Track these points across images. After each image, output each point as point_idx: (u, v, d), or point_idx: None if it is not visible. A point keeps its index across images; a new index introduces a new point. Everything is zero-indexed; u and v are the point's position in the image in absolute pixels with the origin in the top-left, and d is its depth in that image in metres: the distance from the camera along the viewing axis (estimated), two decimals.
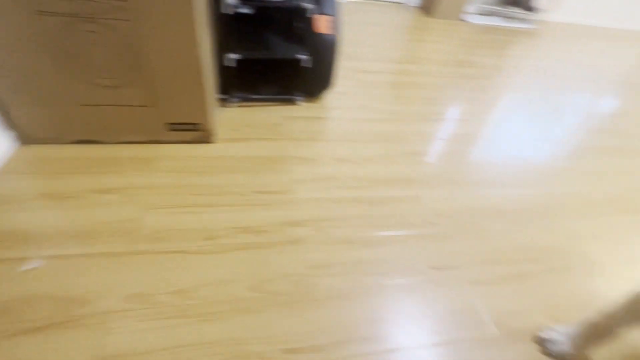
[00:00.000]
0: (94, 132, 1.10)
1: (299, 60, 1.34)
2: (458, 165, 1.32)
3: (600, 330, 0.75)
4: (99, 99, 1.02)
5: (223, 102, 1.38)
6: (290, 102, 1.47)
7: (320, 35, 1.32)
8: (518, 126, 1.64)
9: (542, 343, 0.80)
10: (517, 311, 0.86)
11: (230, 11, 1.14)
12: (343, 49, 2.07)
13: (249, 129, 1.30)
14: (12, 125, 1.04)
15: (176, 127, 1.13)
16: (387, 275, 0.89)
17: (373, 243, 0.96)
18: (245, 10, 1.19)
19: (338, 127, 1.40)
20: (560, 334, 0.79)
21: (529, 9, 3.31)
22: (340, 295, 0.83)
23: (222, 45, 1.23)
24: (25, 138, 1.07)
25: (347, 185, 1.13)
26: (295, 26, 1.34)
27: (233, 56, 1.23)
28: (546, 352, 0.79)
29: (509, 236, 1.06)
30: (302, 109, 1.46)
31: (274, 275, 0.85)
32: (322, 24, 1.30)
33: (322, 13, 1.29)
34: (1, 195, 0.93)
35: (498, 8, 3.31)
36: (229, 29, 1.21)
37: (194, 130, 1.15)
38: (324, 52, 1.35)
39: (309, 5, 1.22)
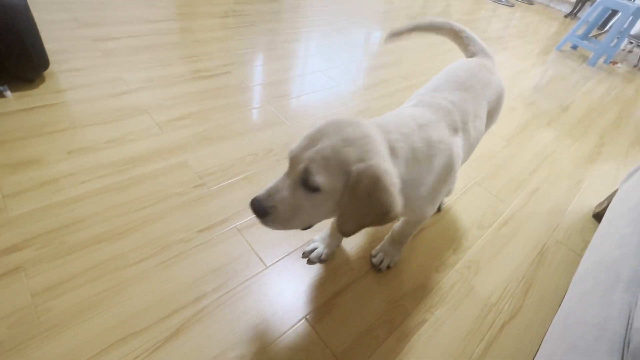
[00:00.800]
0: None
1: None
2: (222, 119, 1.28)
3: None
4: None
5: None
6: None
7: None
8: (288, 66, 1.72)
9: (306, 255, 0.89)
10: (288, 238, 0.93)
11: None
12: (78, 14, 1.67)
13: None
14: None
15: None
16: (149, 259, 0.80)
17: (129, 230, 0.85)
18: None
19: (72, 112, 1.14)
20: (317, 241, 0.90)
21: None
22: (85, 308, 0.70)
23: None
24: None
25: (88, 178, 0.94)
26: None
27: None
28: (310, 261, 0.88)
29: (275, 170, 1.11)
30: (11, 101, 1.11)
31: None
32: None
33: None
34: None
35: None
36: None
37: None
38: (5, 19, 1.02)
39: None
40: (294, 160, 0.52)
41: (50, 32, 1.48)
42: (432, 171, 0.60)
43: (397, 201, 0.50)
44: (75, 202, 0.88)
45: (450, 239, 1.04)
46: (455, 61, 0.89)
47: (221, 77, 1.51)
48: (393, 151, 0.53)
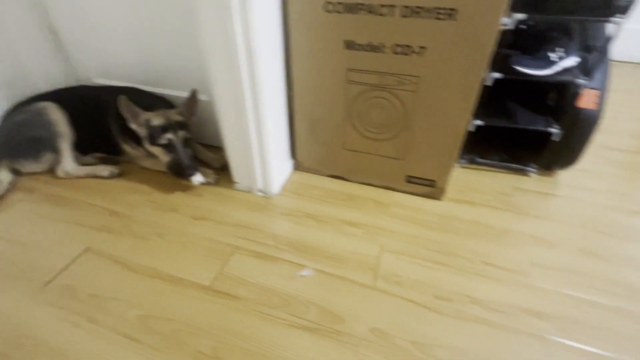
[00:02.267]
0: (345, 170, 1.33)
1: (543, 133, 1.26)
2: None
3: None
4: (362, 147, 1.24)
5: None
6: (520, 172, 1.39)
7: (581, 109, 1.21)
8: None
9: None
10: None
11: (490, 83, 1.19)
12: None
13: (474, 192, 1.30)
14: (294, 155, 1.38)
15: (413, 179, 1.24)
16: None
17: None
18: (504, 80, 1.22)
19: (577, 211, 1.23)
20: None
21: None
22: None
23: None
24: (298, 165, 1.41)
25: (598, 286, 0.96)
26: (549, 97, 1.28)
27: (476, 122, 1.27)
28: None
29: None
30: (533, 181, 1.36)
31: None
32: (587, 99, 1.19)
33: (591, 87, 1.18)
34: (285, 208, 1.24)
35: None
36: (479, 96, 1.26)
37: (428, 186, 1.24)
38: (580, 127, 1.23)
39: (582, 82, 1.14)
40: None
41: None
42: None
43: None
44: (584, 304, 0.92)
45: None
46: None
47: None
48: None
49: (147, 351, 0.82)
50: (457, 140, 1.10)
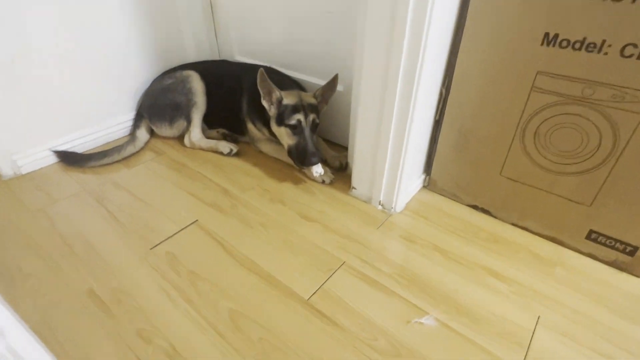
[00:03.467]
0: (494, 203, 1.04)
1: None
2: None
3: None
4: (529, 178, 0.94)
5: None
6: None
7: None
8: None
9: None
10: None
11: None
12: None
13: None
14: (428, 170, 1.14)
15: (600, 237, 0.88)
16: None
17: None
18: None
19: None
20: None
21: None
22: None
23: None
24: (430, 184, 1.16)
25: None
26: None
27: None
28: None
29: None
30: None
31: None
32: None
33: None
34: (407, 231, 1.01)
35: None
36: None
37: (622, 252, 0.86)
38: None
39: None
40: None
41: None
42: None
43: None
44: None
45: None
46: None
47: None
48: None
49: (230, 352, 0.70)
50: None
